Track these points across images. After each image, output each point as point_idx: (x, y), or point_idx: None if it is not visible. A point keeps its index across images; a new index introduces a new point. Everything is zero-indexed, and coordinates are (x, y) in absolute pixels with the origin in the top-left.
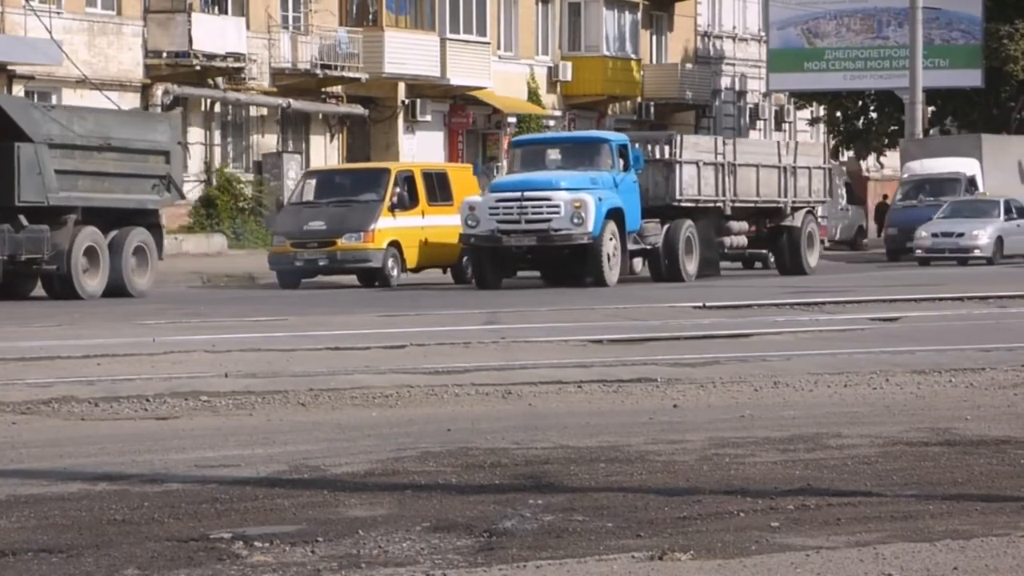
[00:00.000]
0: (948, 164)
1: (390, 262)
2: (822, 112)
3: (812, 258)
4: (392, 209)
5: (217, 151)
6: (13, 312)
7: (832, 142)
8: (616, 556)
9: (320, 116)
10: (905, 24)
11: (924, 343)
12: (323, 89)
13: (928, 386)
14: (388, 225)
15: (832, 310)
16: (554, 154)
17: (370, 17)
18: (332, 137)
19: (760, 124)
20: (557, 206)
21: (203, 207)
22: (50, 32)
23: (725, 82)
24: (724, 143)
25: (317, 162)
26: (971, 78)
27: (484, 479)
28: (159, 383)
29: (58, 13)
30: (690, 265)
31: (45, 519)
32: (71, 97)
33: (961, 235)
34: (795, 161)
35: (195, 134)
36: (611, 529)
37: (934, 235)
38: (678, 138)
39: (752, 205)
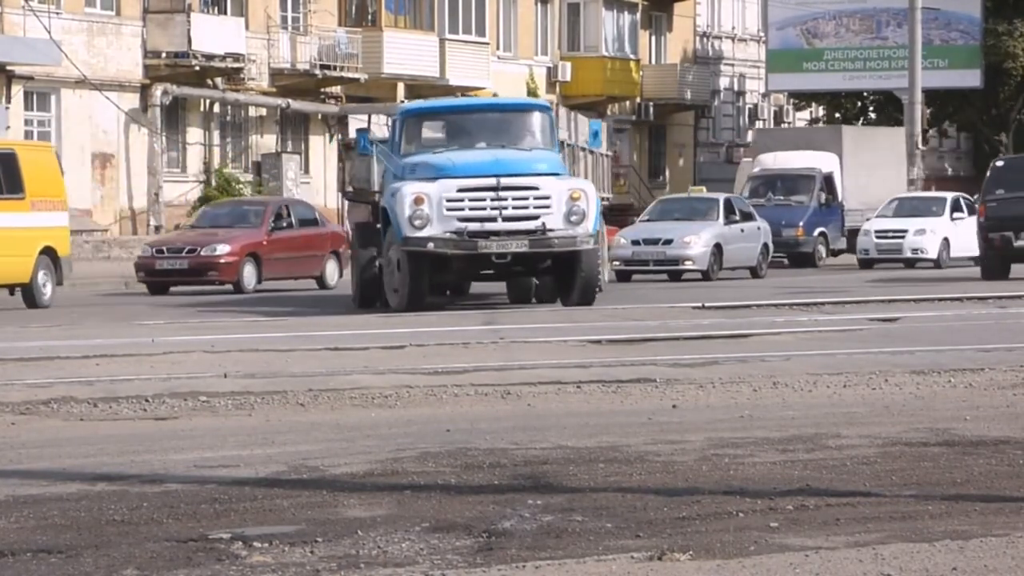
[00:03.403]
0: (803, 159)
1: None
2: (821, 113)
3: None
4: None
5: (216, 151)
6: (13, 312)
7: None
8: (615, 556)
9: (319, 116)
10: (904, 24)
11: (923, 343)
12: (322, 89)
13: (927, 386)
14: None
15: (831, 310)
16: (469, 128)
17: (369, 17)
18: (331, 138)
19: (759, 124)
20: (547, 198)
21: (202, 207)
22: (49, 32)
23: (724, 82)
24: None
25: (316, 163)
26: (970, 78)
27: (483, 479)
28: (158, 383)
29: (57, 13)
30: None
31: (44, 519)
32: (70, 97)
33: (669, 242)
34: None
35: (194, 134)
36: (610, 529)
37: (635, 243)
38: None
39: None
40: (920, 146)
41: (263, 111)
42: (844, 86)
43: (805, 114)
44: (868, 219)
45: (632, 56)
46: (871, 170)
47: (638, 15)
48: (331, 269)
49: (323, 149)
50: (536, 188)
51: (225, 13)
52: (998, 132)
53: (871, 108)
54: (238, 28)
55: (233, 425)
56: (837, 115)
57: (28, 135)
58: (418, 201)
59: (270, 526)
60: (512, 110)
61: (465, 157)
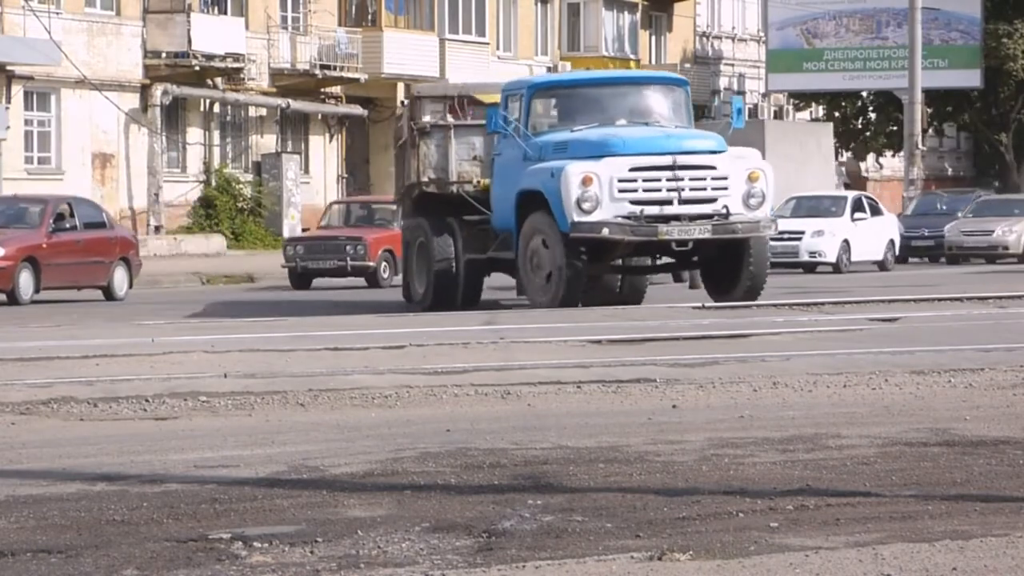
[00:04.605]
0: None
1: None
2: (821, 113)
3: None
4: None
5: (216, 151)
6: (12, 312)
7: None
8: (615, 556)
9: (319, 116)
10: (904, 24)
11: (923, 343)
12: (322, 89)
13: (927, 386)
14: None
15: (831, 310)
16: (604, 103)
17: (369, 17)
18: (331, 138)
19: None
20: (725, 178)
21: (202, 207)
22: (49, 32)
23: (724, 82)
24: None
25: (316, 163)
26: (970, 78)
27: (483, 479)
28: (158, 383)
29: (57, 13)
30: None
31: (44, 519)
32: (70, 97)
33: None
34: None
35: (194, 134)
36: (610, 529)
37: None
38: None
39: None
40: (920, 146)
41: (263, 111)
42: (844, 86)
43: (805, 114)
44: None
45: (632, 56)
46: (797, 166)
47: (638, 15)
48: (120, 278)
49: (323, 149)
50: (713, 167)
51: (225, 13)
52: (998, 132)
53: (871, 108)
54: (238, 28)
55: (233, 425)
56: (836, 115)
57: (28, 135)
58: (586, 182)
59: (270, 526)
60: (651, 83)
61: (632, 133)
